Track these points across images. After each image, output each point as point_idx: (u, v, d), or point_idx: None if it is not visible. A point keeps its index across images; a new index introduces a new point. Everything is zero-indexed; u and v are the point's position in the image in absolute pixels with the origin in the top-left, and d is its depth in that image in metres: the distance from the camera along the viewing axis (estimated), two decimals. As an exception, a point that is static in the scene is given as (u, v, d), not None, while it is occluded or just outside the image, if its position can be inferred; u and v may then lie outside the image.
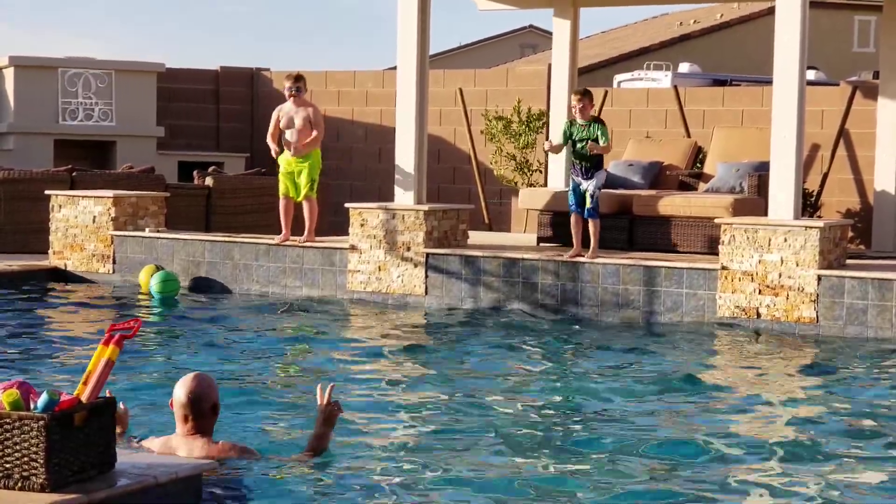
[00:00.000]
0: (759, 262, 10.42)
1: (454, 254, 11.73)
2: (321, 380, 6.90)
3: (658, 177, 13.23)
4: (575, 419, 7.01)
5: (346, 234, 12.20)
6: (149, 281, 12.13)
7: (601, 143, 11.11)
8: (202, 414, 5.31)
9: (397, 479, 5.54)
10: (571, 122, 11.32)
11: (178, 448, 5.30)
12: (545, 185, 14.96)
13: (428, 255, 11.76)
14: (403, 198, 12.18)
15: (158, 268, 12.35)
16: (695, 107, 16.07)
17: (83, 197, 13.45)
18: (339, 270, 12.12)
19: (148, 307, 11.65)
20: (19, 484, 4.39)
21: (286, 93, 12.35)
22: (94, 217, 13.27)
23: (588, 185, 11.21)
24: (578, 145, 11.22)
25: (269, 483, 5.22)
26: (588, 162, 11.22)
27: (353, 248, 12.05)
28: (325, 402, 5.54)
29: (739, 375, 8.66)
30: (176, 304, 11.76)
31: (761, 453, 6.17)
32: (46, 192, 13.69)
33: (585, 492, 5.37)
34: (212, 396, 5.36)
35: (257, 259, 12.45)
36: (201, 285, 12.55)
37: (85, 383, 4.64)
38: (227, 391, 6.84)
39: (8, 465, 4.40)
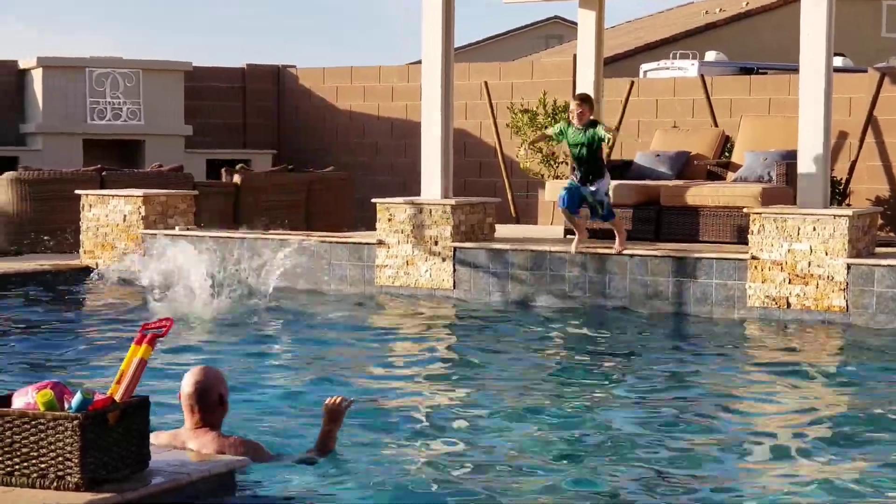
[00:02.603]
0: (789, 251, 10.38)
1: (481, 247, 11.74)
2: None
3: (685, 167, 13.19)
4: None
5: (374, 229, 12.23)
6: None
7: (606, 138, 11.13)
8: (209, 406, 5.31)
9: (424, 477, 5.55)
10: (569, 124, 11.25)
11: (188, 442, 5.31)
12: (572, 176, 14.92)
13: (455, 248, 11.78)
14: (430, 192, 12.20)
15: None
16: (722, 96, 16.02)
17: (113, 196, 13.53)
18: (367, 266, 12.15)
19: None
20: (54, 483, 4.43)
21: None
22: (125, 216, 13.35)
23: (594, 194, 11.07)
24: (574, 150, 11.14)
25: (280, 480, 5.23)
26: (586, 167, 11.11)
27: (380, 242, 12.08)
28: (332, 400, 5.57)
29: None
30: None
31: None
32: (76, 191, 13.77)
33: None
34: (218, 388, 5.36)
35: (285, 255, 12.47)
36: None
37: (118, 382, 4.68)
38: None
39: (43, 465, 4.44)
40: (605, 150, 15.45)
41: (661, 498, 5.20)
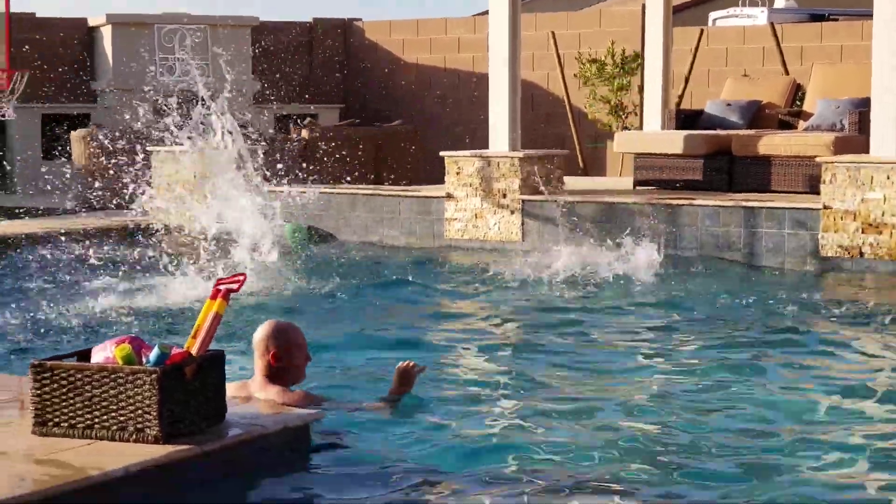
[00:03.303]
0: (862, 200, 10.25)
1: (550, 199, 11.70)
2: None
3: (756, 116, 13.06)
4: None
5: (442, 182, 12.23)
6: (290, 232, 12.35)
7: None
8: (274, 359, 5.35)
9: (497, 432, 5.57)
10: None
11: (255, 392, 5.36)
12: (640, 127, 14.83)
13: (524, 201, 11.75)
14: (498, 145, 12.16)
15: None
16: (792, 43, 15.80)
17: (184, 152, 13.61)
18: (435, 219, 12.16)
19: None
20: (134, 436, 4.50)
21: None
22: (195, 172, 13.45)
23: None
24: None
25: (350, 434, 5.26)
26: None
27: (449, 196, 12.07)
28: (405, 364, 5.59)
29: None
30: (307, 254, 11.92)
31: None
32: (148, 147, 13.89)
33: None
34: (289, 341, 5.39)
35: (354, 209, 12.53)
36: (300, 237, 12.67)
37: (194, 337, 4.73)
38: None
39: (122, 418, 4.51)
40: (675, 100, 15.33)
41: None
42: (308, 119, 16.77)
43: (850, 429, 5.49)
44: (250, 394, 5.37)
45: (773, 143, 11.89)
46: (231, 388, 5.35)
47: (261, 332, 5.42)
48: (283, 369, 5.37)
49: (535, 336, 7.90)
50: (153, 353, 4.57)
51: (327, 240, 12.48)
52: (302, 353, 5.44)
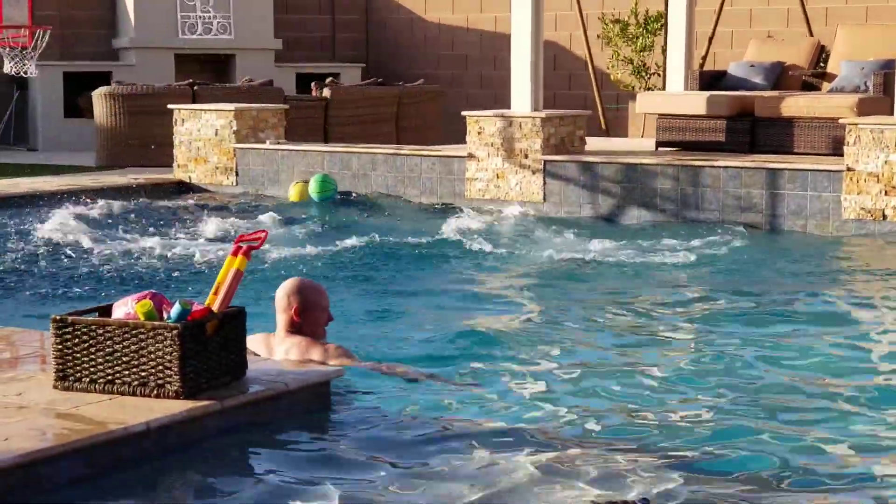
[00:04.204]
0: (885, 162, 10.19)
1: (572, 160, 11.66)
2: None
3: (780, 77, 12.98)
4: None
5: (464, 142, 12.20)
6: (300, 194, 12.37)
7: None
8: (296, 314, 5.40)
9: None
10: None
11: (277, 346, 5.41)
12: (663, 88, 14.76)
13: (545, 161, 11.72)
14: (520, 105, 12.12)
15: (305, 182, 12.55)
16: (817, 4, 15.66)
17: (205, 111, 13.63)
18: (456, 178, 12.14)
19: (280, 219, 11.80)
20: (155, 391, 4.52)
21: None
22: (217, 130, 13.45)
23: None
24: None
25: (373, 391, 5.28)
26: None
27: (470, 156, 12.05)
28: (416, 374, 5.57)
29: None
30: (333, 206, 11.94)
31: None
32: (169, 105, 13.90)
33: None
34: (312, 299, 5.44)
35: (375, 168, 12.53)
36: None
37: (215, 293, 4.74)
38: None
39: (143, 373, 4.53)
40: (698, 61, 15.24)
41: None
42: (330, 78, 16.73)
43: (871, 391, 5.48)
44: (272, 346, 5.42)
45: (796, 104, 11.82)
46: (254, 340, 5.42)
47: (284, 288, 5.48)
48: (304, 326, 5.42)
49: (560, 297, 7.90)
50: (174, 310, 4.59)
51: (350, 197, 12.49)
52: (324, 313, 5.49)
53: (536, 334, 6.72)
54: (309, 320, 5.43)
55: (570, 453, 4.49)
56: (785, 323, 7.00)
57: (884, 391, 5.49)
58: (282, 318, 5.45)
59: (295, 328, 5.42)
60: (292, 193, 12.55)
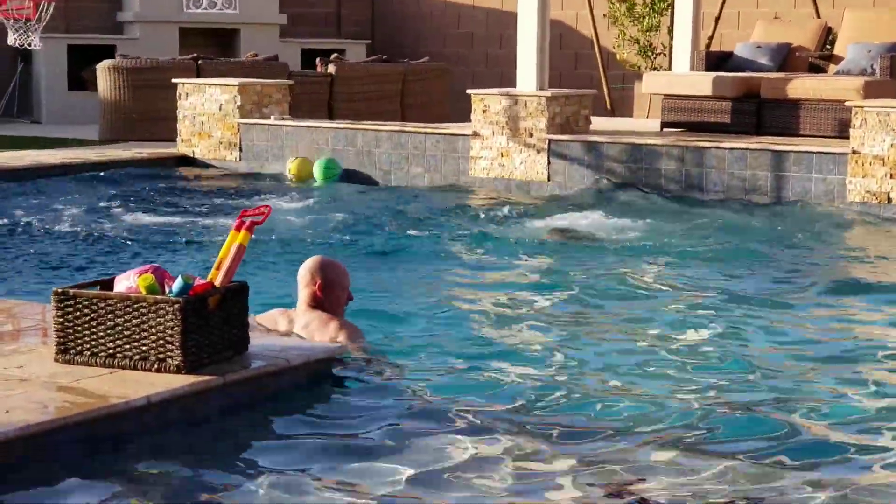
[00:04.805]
0: (892, 145, 10.15)
1: (577, 140, 11.63)
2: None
3: (787, 59, 12.93)
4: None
5: (469, 120, 12.17)
6: (298, 168, 12.35)
7: None
8: (322, 290, 5.49)
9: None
10: None
11: (296, 319, 5.49)
12: (670, 68, 14.71)
13: (550, 141, 11.69)
14: (525, 83, 12.08)
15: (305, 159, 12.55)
16: (825, -14, 15.59)
17: (210, 85, 13.59)
18: (461, 157, 12.11)
19: (281, 193, 11.79)
20: (156, 365, 4.51)
21: None
22: (221, 105, 13.42)
23: None
24: None
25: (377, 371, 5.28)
26: None
27: (475, 134, 12.02)
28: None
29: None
30: (336, 188, 11.95)
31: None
32: (173, 80, 13.86)
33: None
34: (334, 276, 5.54)
35: (379, 146, 12.49)
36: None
37: (218, 268, 4.73)
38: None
39: (145, 348, 4.52)
40: (705, 41, 15.19)
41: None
42: (335, 54, 16.68)
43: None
44: (293, 319, 5.50)
45: (802, 86, 11.78)
46: (274, 314, 5.54)
47: (308, 265, 5.59)
48: (326, 302, 5.52)
49: (564, 271, 7.88)
50: (176, 284, 4.57)
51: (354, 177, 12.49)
52: (345, 292, 5.60)
53: (536, 312, 6.71)
54: (331, 298, 5.53)
55: (575, 436, 4.48)
56: (788, 299, 6.99)
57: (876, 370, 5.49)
58: (304, 293, 5.54)
59: (317, 303, 5.52)
60: (291, 168, 12.51)
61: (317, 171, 12.31)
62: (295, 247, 8.57)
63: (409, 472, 4.03)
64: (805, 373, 5.48)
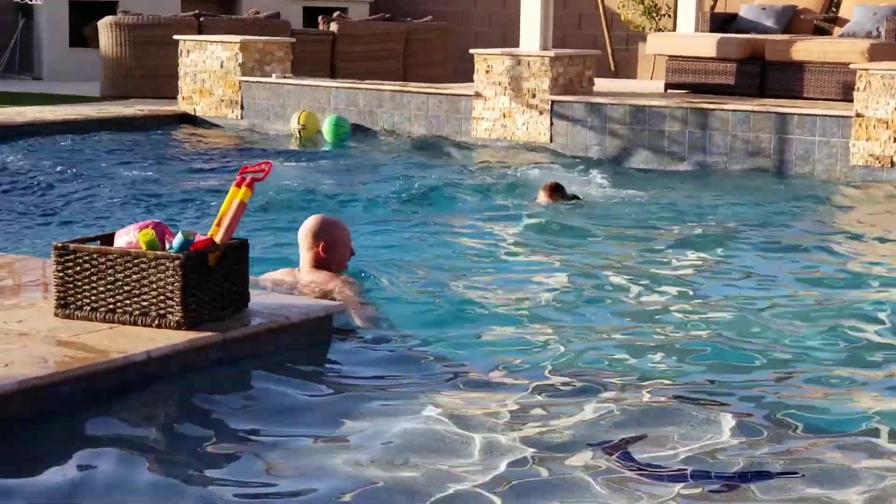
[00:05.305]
0: (896, 109, 10.12)
1: (580, 101, 11.58)
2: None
3: (792, 21, 12.88)
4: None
5: (471, 80, 12.11)
6: (307, 120, 12.30)
7: None
8: (325, 250, 5.54)
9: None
10: None
11: (303, 277, 5.53)
12: (674, 29, 14.64)
13: (553, 102, 11.64)
14: (529, 44, 12.02)
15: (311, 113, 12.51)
16: (832, -52, 15.50)
17: (211, 42, 13.52)
18: (463, 117, 12.07)
19: (282, 151, 11.75)
20: (156, 321, 4.50)
21: None
22: (222, 62, 13.36)
23: None
24: None
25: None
26: None
27: (477, 94, 11.97)
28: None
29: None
30: (346, 147, 11.92)
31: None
32: (175, 36, 13.79)
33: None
34: (336, 235, 5.58)
35: (381, 105, 12.45)
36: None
37: (218, 224, 4.71)
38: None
39: (145, 303, 4.51)
40: (710, 2, 15.11)
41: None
42: (337, 13, 16.60)
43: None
44: (297, 278, 5.54)
45: (807, 48, 11.72)
46: (279, 274, 5.60)
47: (309, 227, 5.61)
48: (330, 261, 5.56)
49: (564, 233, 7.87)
50: (176, 240, 4.55)
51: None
52: (347, 248, 5.66)
53: (537, 272, 6.70)
54: (334, 257, 5.57)
55: (574, 393, 4.47)
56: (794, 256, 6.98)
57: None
58: (308, 255, 5.58)
59: (320, 264, 5.56)
60: (300, 119, 12.38)
61: (327, 131, 12.22)
62: (300, 205, 8.56)
63: (409, 429, 4.03)
64: (812, 329, 5.47)
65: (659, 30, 15.56)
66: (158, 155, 11.35)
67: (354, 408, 4.24)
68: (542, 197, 8.83)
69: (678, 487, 3.62)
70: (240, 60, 13.23)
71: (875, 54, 11.19)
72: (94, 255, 4.56)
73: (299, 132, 12.30)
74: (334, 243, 5.57)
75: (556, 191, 8.88)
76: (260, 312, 4.76)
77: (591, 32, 17.13)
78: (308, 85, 12.97)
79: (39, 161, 10.42)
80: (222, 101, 13.36)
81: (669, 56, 12.54)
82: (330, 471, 3.68)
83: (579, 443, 3.97)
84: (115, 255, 4.55)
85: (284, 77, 13.24)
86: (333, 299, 5.33)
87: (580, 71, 11.99)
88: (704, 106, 11.02)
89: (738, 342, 5.25)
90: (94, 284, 4.55)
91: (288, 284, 5.51)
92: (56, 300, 4.61)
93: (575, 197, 9.02)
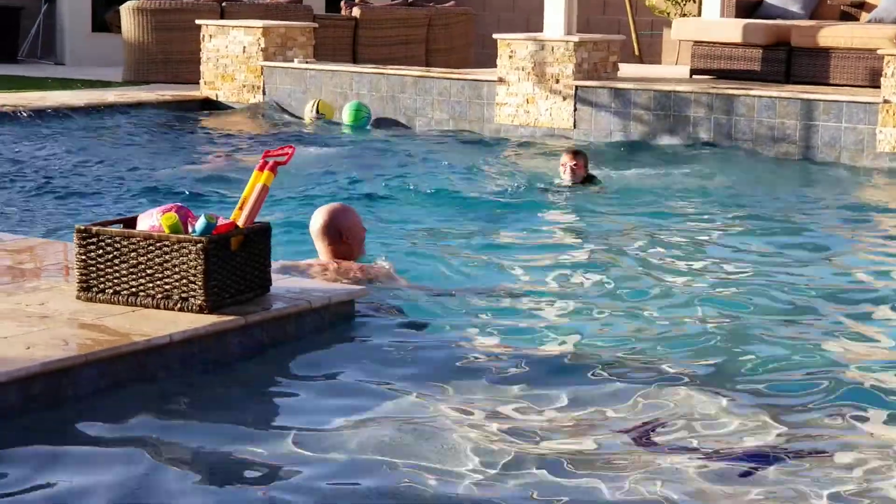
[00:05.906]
0: (924, 95, 10.02)
1: (604, 86, 11.51)
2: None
3: (818, 6, 12.77)
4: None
5: (494, 66, 12.05)
6: (324, 107, 12.30)
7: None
8: (334, 241, 5.50)
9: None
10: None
11: (325, 265, 5.47)
12: (699, 14, 14.54)
13: (577, 87, 11.57)
14: (553, 29, 11.95)
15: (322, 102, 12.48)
16: (858, -67, 15.37)
17: (233, 27, 13.50)
18: (486, 103, 12.01)
19: (305, 135, 11.73)
20: (178, 305, 4.47)
21: None
22: (244, 47, 13.33)
23: None
24: None
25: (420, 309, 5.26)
26: None
27: (500, 80, 11.91)
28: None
29: None
30: (367, 132, 11.90)
31: None
32: (197, 21, 13.76)
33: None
34: (350, 222, 5.54)
35: (404, 91, 12.40)
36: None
37: (241, 208, 4.67)
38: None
39: (167, 287, 4.48)
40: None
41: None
42: (360, -2, 16.55)
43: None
44: (322, 266, 5.47)
45: (834, 34, 11.62)
46: (300, 263, 5.52)
47: (321, 221, 5.54)
48: (348, 250, 5.53)
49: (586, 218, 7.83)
50: (199, 223, 4.52)
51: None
52: (363, 229, 5.64)
53: (560, 256, 6.66)
54: (352, 243, 5.54)
55: (600, 379, 4.43)
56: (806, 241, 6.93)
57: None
58: (329, 249, 5.51)
59: (342, 253, 5.52)
60: (319, 106, 12.37)
61: (347, 115, 12.20)
62: (321, 190, 8.53)
63: (430, 413, 3.99)
64: (839, 315, 5.43)
65: (683, 15, 15.46)
66: (180, 139, 11.34)
67: (376, 393, 4.21)
68: (566, 159, 8.90)
69: (695, 468, 3.58)
70: (262, 45, 13.20)
71: (902, 40, 11.08)
72: (117, 238, 4.54)
73: (316, 120, 12.29)
74: (351, 230, 5.54)
75: (579, 154, 8.99)
76: (282, 297, 4.73)
77: (615, 17, 17.04)
78: (330, 70, 12.93)
79: (62, 146, 10.42)
80: (244, 86, 13.33)
81: (695, 41, 12.45)
82: (349, 454, 3.65)
83: (601, 426, 3.94)
84: (137, 238, 4.52)
85: (306, 62, 13.20)
86: (358, 283, 5.30)
87: (604, 56, 11.92)
88: (730, 92, 10.93)
89: (761, 326, 5.21)
90: (116, 267, 4.52)
91: (310, 272, 5.45)
92: (78, 283, 4.58)
93: (593, 177, 8.98)
